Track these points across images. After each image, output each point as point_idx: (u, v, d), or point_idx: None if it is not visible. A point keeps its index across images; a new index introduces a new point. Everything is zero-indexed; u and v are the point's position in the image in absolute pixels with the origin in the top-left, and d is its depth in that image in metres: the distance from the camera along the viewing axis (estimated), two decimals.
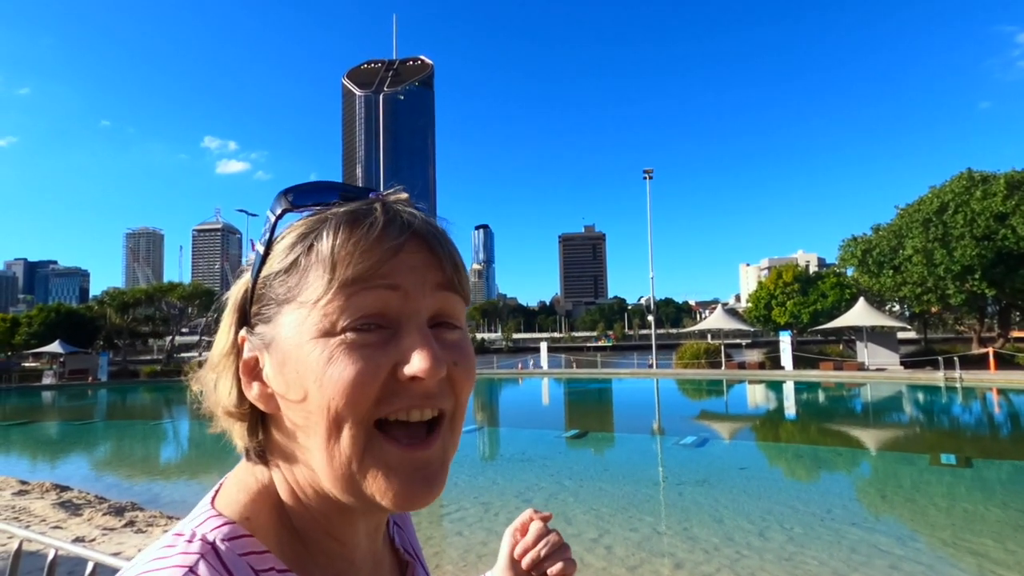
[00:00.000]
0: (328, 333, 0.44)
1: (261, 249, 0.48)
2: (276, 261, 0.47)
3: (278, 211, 0.48)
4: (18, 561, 1.94)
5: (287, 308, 0.46)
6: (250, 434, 0.50)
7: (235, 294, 0.51)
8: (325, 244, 0.44)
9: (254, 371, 0.48)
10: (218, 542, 0.43)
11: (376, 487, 0.44)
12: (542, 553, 0.68)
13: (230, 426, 0.51)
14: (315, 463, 0.45)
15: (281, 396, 0.46)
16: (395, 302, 0.45)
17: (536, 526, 0.71)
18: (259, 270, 0.48)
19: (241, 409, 0.49)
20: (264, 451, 0.50)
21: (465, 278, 0.50)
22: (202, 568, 0.40)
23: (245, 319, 0.49)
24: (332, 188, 0.49)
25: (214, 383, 0.51)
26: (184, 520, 0.46)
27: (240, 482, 0.49)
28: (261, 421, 0.50)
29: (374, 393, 0.43)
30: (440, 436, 0.47)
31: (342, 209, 0.46)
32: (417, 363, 0.43)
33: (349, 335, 0.43)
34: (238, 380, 0.49)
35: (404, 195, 0.50)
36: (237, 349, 0.49)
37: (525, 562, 0.69)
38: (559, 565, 0.67)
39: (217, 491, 0.49)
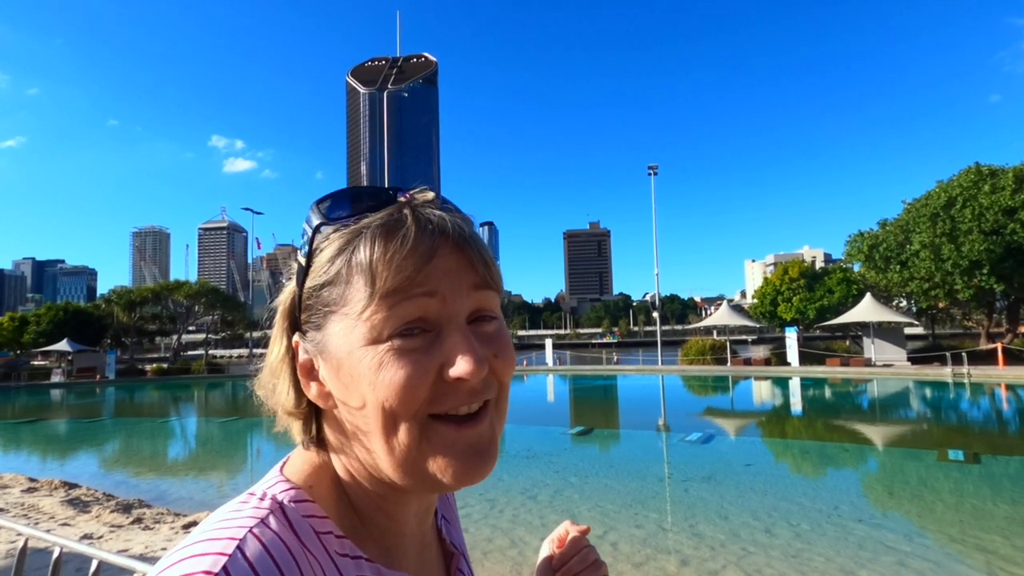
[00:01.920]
0: (375, 341, 0.47)
1: (303, 260, 0.51)
2: (319, 273, 0.50)
3: (315, 223, 0.51)
4: (23, 559, 1.95)
5: (334, 318, 0.49)
6: (306, 430, 0.55)
7: (283, 301, 0.55)
8: (363, 258, 0.47)
9: (311, 372, 0.52)
10: (286, 503, 0.48)
11: (436, 467, 0.48)
12: (575, 567, 0.73)
13: (289, 424, 0.55)
14: (375, 453, 0.49)
15: (338, 397, 0.50)
16: (434, 307, 0.48)
17: (573, 539, 0.76)
18: (303, 280, 0.51)
19: (299, 409, 0.54)
20: (320, 442, 0.55)
21: (497, 272, 0.53)
22: (272, 521, 0.46)
23: (296, 324, 0.53)
24: (361, 194, 0.51)
25: (274, 386, 0.55)
26: (255, 485, 0.51)
27: (305, 456, 0.55)
28: (316, 416, 0.55)
29: (424, 394, 0.47)
30: (488, 415, 0.51)
31: (375, 222, 0.49)
32: (462, 366, 0.47)
33: (395, 341, 0.47)
34: (294, 382, 0.53)
35: (431, 195, 0.53)
36: (292, 353, 0.53)
37: (560, 574, 0.73)
38: None
39: (285, 461, 0.55)
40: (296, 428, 0.55)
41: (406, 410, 0.47)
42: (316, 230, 0.51)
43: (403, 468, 0.48)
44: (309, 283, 0.51)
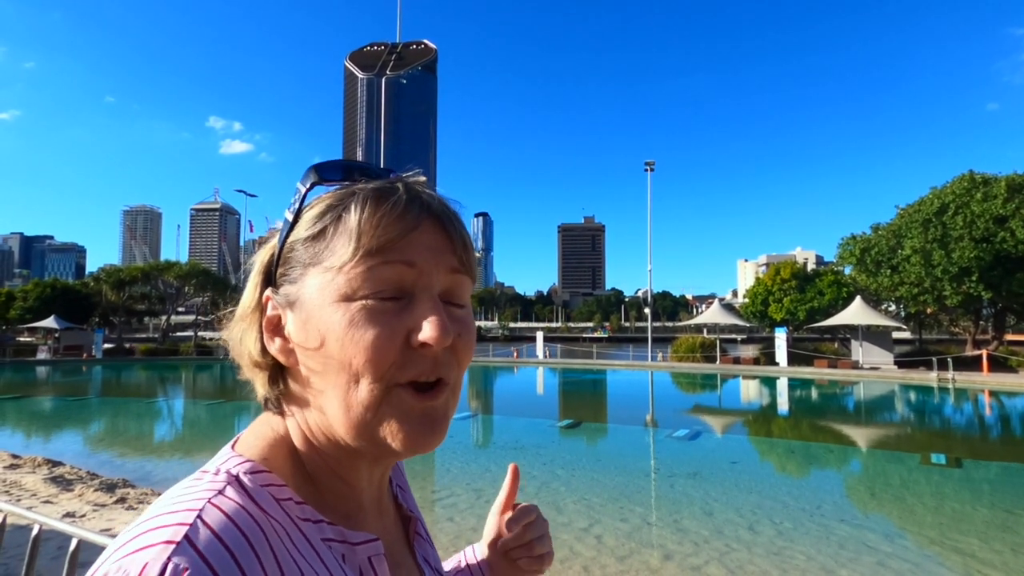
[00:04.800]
0: (349, 298, 0.48)
1: (290, 217, 0.53)
2: (304, 228, 0.52)
3: (308, 183, 0.53)
4: (2, 535, 1.92)
5: (312, 271, 0.50)
6: (271, 384, 0.55)
7: (262, 256, 0.56)
8: (352, 216, 0.49)
9: (276, 327, 0.53)
10: (241, 475, 0.48)
11: (388, 431, 0.49)
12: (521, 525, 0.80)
13: (253, 375, 0.56)
14: (330, 412, 0.50)
15: (302, 351, 0.51)
16: (411, 276, 0.50)
17: (524, 508, 0.82)
18: (287, 236, 0.53)
19: (264, 360, 0.54)
20: (281, 400, 0.55)
21: (474, 259, 0.55)
22: (230, 491, 0.45)
23: (270, 280, 0.54)
24: (357, 166, 0.55)
25: (240, 336, 0.56)
26: (206, 464, 0.51)
27: (257, 432, 0.54)
28: (280, 372, 0.55)
29: (392, 357, 0.48)
30: (445, 392, 0.52)
31: (369, 186, 0.52)
32: (428, 330, 0.48)
33: (368, 302, 0.48)
34: (262, 334, 0.54)
35: (423, 178, 0.56)
36: (262, 307, 0.54)
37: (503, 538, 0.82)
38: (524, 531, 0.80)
39: (236, 440, 0.54)
40: (260, 380, 0.55)
41: (372, 371, 0.48)
42: (310, 188, 0.53)
43: (356, 429, 0.49)
44: (293, 237, 0.52)
